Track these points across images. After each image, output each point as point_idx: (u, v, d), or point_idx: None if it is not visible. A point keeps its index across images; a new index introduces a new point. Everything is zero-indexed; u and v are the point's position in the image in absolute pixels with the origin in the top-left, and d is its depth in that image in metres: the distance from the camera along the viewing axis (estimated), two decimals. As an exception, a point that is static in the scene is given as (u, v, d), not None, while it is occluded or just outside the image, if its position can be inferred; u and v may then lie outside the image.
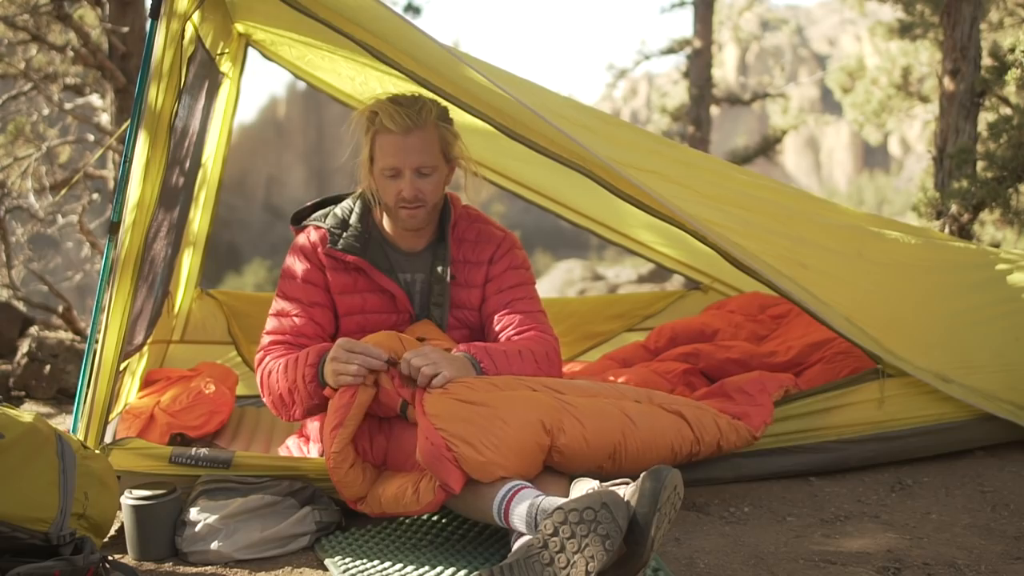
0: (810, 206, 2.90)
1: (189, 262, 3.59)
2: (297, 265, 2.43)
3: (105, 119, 5.45)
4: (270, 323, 2.42)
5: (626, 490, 1.72)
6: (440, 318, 2.43)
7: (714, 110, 11.84)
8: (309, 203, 2.55)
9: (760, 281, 2.54)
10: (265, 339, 2.40)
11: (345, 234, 2.41)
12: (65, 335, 4.48)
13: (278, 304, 2.43)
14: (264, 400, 2.36)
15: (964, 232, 4.46)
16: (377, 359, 2.07)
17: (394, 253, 2.46)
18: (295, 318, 2.39)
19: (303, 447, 2.51)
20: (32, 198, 5.53)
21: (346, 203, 2.49)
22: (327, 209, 2.50)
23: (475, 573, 1.90)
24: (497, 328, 2.41)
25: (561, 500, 1.79)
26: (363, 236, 2.42)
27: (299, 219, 2.51)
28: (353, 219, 2.44)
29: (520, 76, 2.83)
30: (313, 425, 2.46)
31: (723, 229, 2.48)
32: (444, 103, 2.40)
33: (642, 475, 1.70)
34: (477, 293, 2.46)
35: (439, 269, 2.43)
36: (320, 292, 2.42)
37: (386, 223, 2.46)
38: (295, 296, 2.41)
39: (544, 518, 1.70)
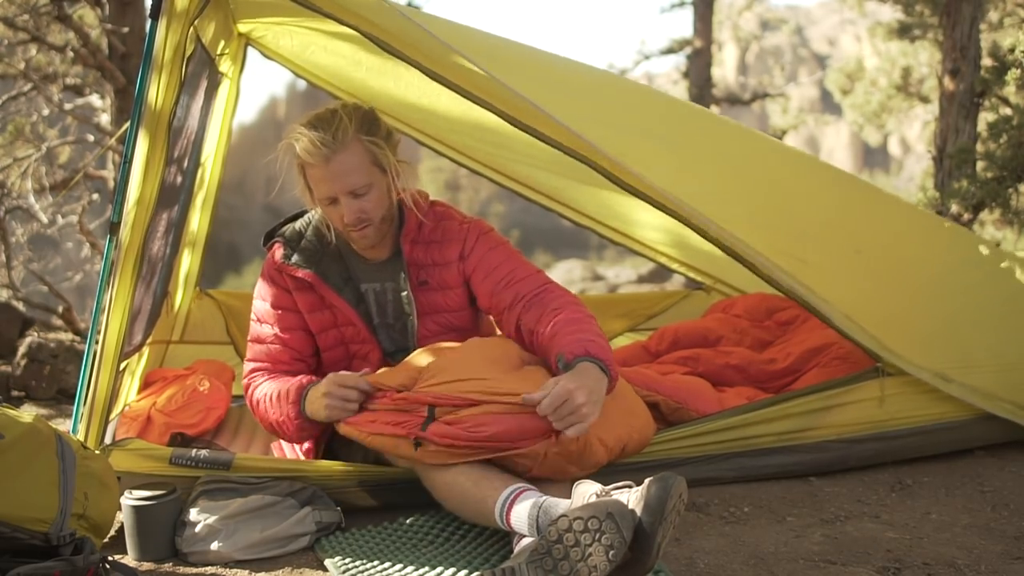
0: (816, 190, 2.90)
1: (188, 262, 3.59)
2: (266, 289, 2.43)
3: (105, 119, 5.45)
4: (250, 349, 2.44)
5: (630, 497, 1.70)
6: (411, 326, 2.41)
7: (714, 110, 11.84)
8: (280, 221, 2.53)
9: (760, 277, 2.54)
10: (247, 365, 2.43)
11: (299, 247, 2.39)
12: (65, 335, 4.49)
13: (254, 329, 2.44)
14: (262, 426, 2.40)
15: (964, 232, 4.46)
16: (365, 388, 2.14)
17: (359, 264, 2.42)
18: (270, 345, 2.41)
19: (296, 446, 2.51)
20: (32, 198, 5.53)
21: (308, 215, 2.47)
22: (291, 224, 2.49)
23: (475, 574, 1.90)
24: (510, 302, 2.30)
25: (565, 504, 1.80)
26: (317, 249, 2.39)
27: (269, 238, 2.49)
28: (309, 232, 2.42)
29: (531, 47, 2.78)
30: None
31: (725, 223, 2.47)
32: (367, 108, 2.32)
33: (647, 481, 1.70)
34: (455, 295, 2.41)
35: (402, 277, 2.40)
36: (291, 316, 2.40)
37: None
38: (268, 321, 2.42)
39: (548, 524, 1.70)
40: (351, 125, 2.21)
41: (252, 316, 2.45)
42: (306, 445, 2.46)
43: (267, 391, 2.32)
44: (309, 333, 2.43)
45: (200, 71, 2.75)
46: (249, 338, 2.45)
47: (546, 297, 2.26)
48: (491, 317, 2.50)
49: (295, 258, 2.38)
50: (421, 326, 2.41)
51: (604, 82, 3.10)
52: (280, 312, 2.40)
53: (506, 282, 2.32)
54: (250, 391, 2.39)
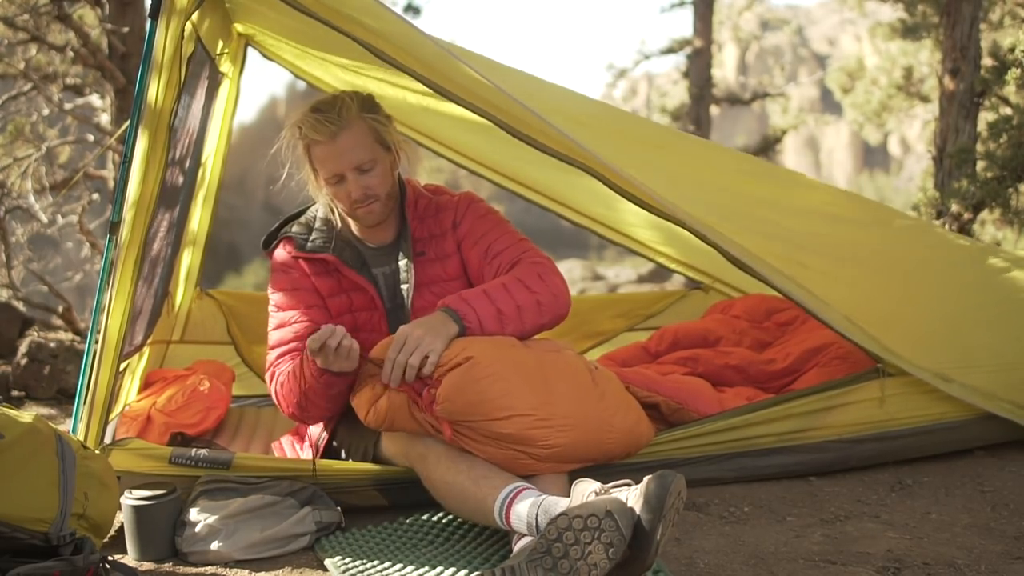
0: (812, 201, 2.90)
1: (189, 262, 3.59)
2: (283, 278, 2.43)
3: (105, 119, 5.46)
4: (272, 337, 2.42)
5: (629, 494, 1.71)
6: (407, 295, 2.41)
7: (714, 110, 11.84)
8: (275, 226, 2.55)
9: (760, 280, 2.54)
10: (271, 355, 2.40)
11: (311, 236, 2.43)
12: (65, 335, 4.49)
13: (276, 318, 2.43)
14: (284, 413, 2.36)
15: (964, 232, 4.47)
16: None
17: (367, 250, 2.46)
18: (295, 324, 2.39)
19: (296, 446, 2.51)
20: (32, 198, 5.53)
21: (310, 211, 2.51)
22: (292, 222, 2.51)
23: (475, 573, 1.90)
24: (492, 275, 2.36)
25: (564, 503, 1.80)
26: (329, 235, 2.43)
27: (269, 242, 2.50)
28: (317, 223, 2.46)
29: (520, 70, 2.83)
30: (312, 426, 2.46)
31: (723, 228, 2.47)
32: (367, 92, 2.40)
33: (646, 479, 1.70)
34: (452, 263, 2.44)
35: (404, 247, 2.44)
36: (312, 295, 2.42)
37: (352, 224, 2.47)
38: (290, 305, 2.41)
39: (548, 523, 1.70)
40: (354, 104, 2.31)
41: (272, 309, 2.44)
42: (307, 444, 2.46)
43: (289, 368, 2.31)
44: (330, 312, 2.43)
45: (200, 71, 2.75)
46: (270, 328, 2.43)
47: (515, 267, 2.33)
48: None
49: (310, 244, 2.41)
50: (417, 296, 2.42)
51: (599, 108, 3.14)
52: (302, 292, 2.41)
53: (491, 254, 2.40)
54: (274, 379, 2.35)
